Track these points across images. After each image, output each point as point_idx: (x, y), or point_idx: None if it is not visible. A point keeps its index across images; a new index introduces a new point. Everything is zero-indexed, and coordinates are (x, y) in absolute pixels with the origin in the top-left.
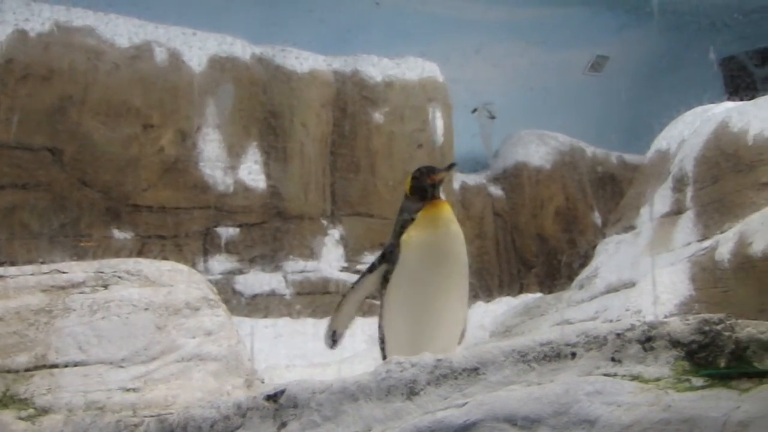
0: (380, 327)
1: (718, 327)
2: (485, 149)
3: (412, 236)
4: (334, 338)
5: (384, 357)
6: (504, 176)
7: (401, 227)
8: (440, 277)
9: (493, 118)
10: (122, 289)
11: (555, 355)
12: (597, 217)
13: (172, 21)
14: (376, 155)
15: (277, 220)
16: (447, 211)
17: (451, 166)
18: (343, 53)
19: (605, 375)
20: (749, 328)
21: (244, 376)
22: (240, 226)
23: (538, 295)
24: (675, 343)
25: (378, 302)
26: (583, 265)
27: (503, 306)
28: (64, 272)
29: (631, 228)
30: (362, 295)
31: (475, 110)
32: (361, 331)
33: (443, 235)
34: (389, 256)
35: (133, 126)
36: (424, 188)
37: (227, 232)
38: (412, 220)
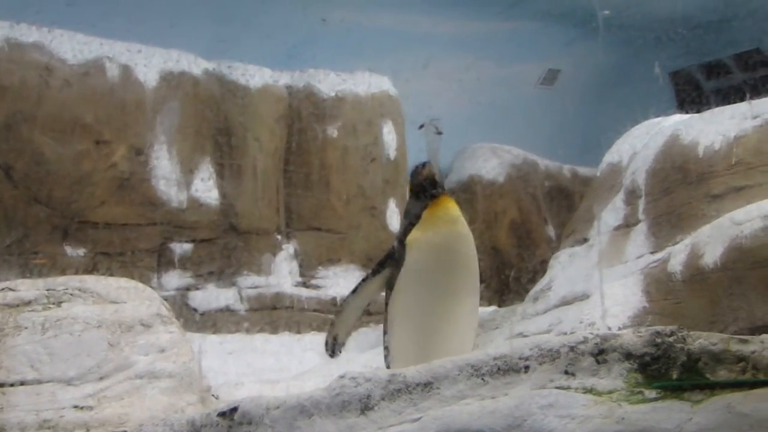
0: (385, 336)
1: (671, 339)
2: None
3: (417, 237)
4: (335, 345)
5: (388, 368)
6: (457, 189)
7: (406, 228)
8: (450, 279)
9: (439, 133)
10: (74, 307)
11: (508, 368)
12: (550, 230)
13: (119, 37)
14: (330, 170)
15: (231, 236)
16: (453, 209)
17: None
18: (294, 68)
19: (558, 388)
20: (701, 340)
21: (198, 392)
22: (193, 241)
23: (493, 308)
24: (628, 356)
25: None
26: (536, 278)
27: None
28: (14, 290)
29: (583, 241)
30: (364, 301)
31: (421, 126)
32: (315, 346)
33: (450, 234)
34: (394, 259)
35: (84, 142)
36: (421, 187)
37: (181, 247)
38: (417, 220)
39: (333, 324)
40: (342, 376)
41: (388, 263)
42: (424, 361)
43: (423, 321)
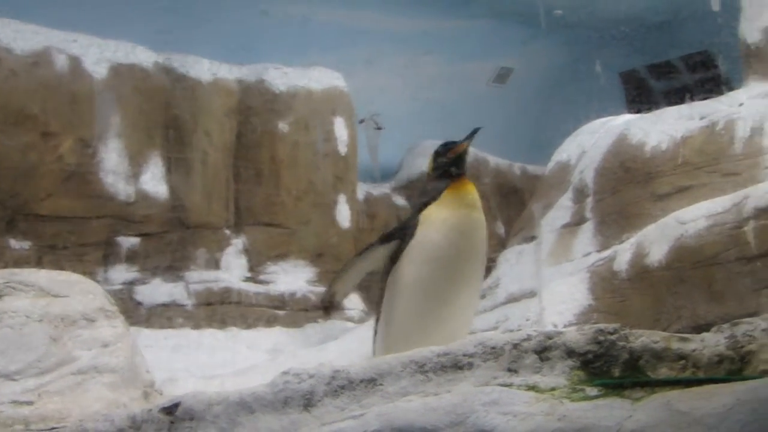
0: (381, 309)
1: (613, 337)
2: (371, 160)
3: (432, 214)
4: (332, 301)
5: (380, 346)
6: (408, 186)
7: (423, 204)
8: (456, 261)
9: (379, 128)
10: (15, 300)
11: (452, 365)
12: (500, 228)
13: (68, 28)
14: (281, 165)
15: (180, 230)
16: (472, 194)
17: (474, 133)
18: (246, 62)
19: (502, 385)
20: (643, 338)
21: (142, 388)
22: (141, 235)
23: None
24: (571, 353)
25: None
26: (485, 275)
27: None
28: None
29: (532, 238)
30: (367, 266)
31: (362, 121)
32: (263, 342)
33: (466, 216)
34: (405, 231)
35: (31, 134)
36: (446, 165)
37: (128, 241)
38: (434, 198)
39: (333, 281)
40: (285, 372)
41: (398, 234)
42: (422, 332)
43: (422, 298)
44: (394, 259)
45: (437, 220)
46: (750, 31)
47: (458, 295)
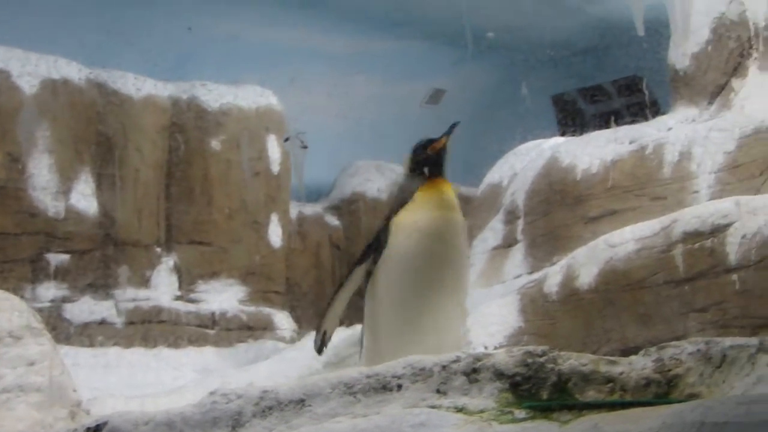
0: (363, 326)
1: (542, 359)
2: (296, 179)
3: (403, 219)
4: (323, 341)
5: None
6: (341, 206)
7: (393, 208)
8: (434, 269)
9: (305, 147)
10: None
11: (381, 386)
12: None
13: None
14: (212, 183)
15: (110, 247)
16: (447, 193)
17: (453, 127)
18: (179, 80)
19: (430, 407)
20: (571, 360)
21: (69, 407)
22: (70, 252)
23: None
24: (499, 375)
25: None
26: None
27: (338, 336)
28: None
29: None
30: (351, 290)
31: (287, 139)
32: (192, 362)
33: (440, 219)
34: (377, 241)
35: None
36: (424, 162)
37: (57, 258)
38: (406, 201)
39: (322, 320)
40: (213, 392)
41: (372, 247)
42: (402, 352)
43: (402, 312)
44: (370, 272)
45: (409, 225)
46: (678, 57)
47: (441, 303)
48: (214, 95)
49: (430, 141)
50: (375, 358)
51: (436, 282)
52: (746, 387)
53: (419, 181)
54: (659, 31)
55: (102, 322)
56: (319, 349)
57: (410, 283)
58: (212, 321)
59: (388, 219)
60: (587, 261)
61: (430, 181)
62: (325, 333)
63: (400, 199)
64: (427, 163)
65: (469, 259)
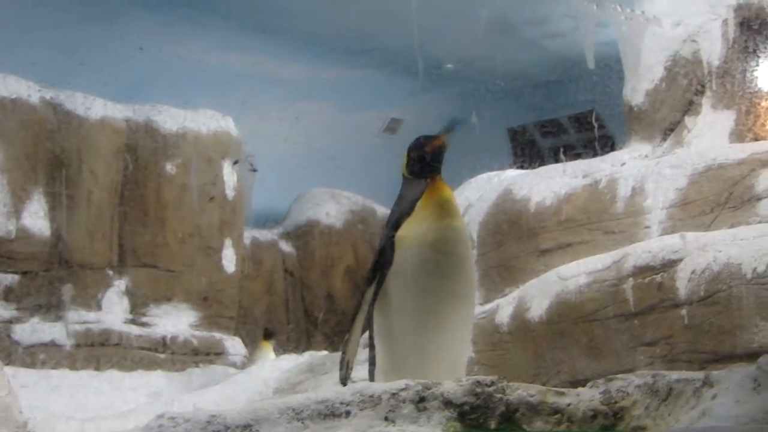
0: (371, 345)
1: (491, 389)
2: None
3: (408, 233)
4: (347, 372)
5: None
6: (295, 233)
7: (397, 221)
8: (444, 280)
9: (254, 170)
10: None
11: (330, 413)
12: None
13: None
14: (166, 207)
15: (61, 269)
16: (448, 199)
17: (452, 124)
18: (135, 102)
19: None
20: (520, 391)
21: (14, 428)
22: (21, 273)
23: (324, 353)
24: (448, 404)
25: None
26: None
27: (289, 363)
28: None
29: None
30: (365, 313)
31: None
32: (143, 385)
33: (445, 230)
34: (383, 258)
35: None
36: (423, 162)
37: (7, 279)
38: (408, 212)
39: (345, 350)
40: (161, 416)
41: (378, 265)
42: (412, 373)
43: (415, 331)
44: (377, 290)
45: (415, 240)
46: (633, 93)
47: (454, 315)
48: (170, 118)
49: (428, 138)
50: (391, 377)
51: (448, 295)
52: (691, 420)
53: (419, 187)
54: (616, 66)
55: (51, 344)
56: (344, 381)
57: (423, 300)
58: (163, 345)
59: (391, 233)
60: (539, 293)
61: (431, 186)
62: (349, 363)
63: (402, 211)
64: (425, 162)
65: (473, 268)
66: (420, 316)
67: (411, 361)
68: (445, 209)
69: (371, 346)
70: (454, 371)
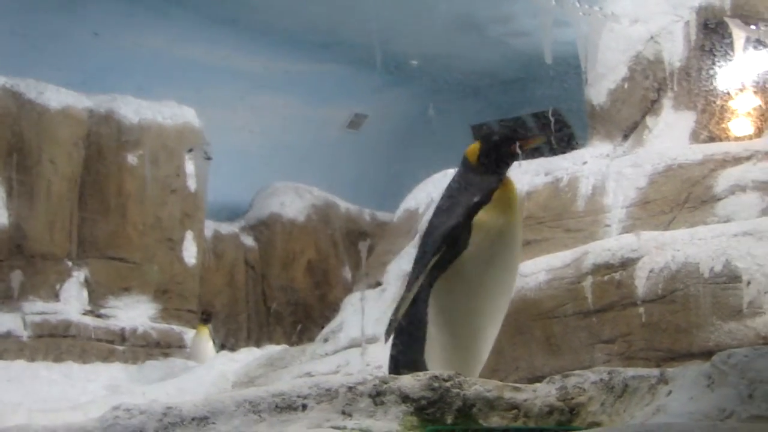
0: (428, 321)
1: (448, 384)
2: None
3: (487, 220)
4: (392, 329)
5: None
6: (257, 227)
7: (473, 207)
8: (511, 272)
9: (209, 158)
10: None
11: (287, 406)
12: (347, 272)
13: None
14: (127, 198)
15: (19, 259)
16: (518, 197)
17: (541, 134)
18: (98, 92)
19: (335, 428)
20: (477, 386)
21: None
22: None
23: (283, 346)
24: (405, 398)
25: None
26: (330, 319)
27: (248, 356)
28: None
29: (377, 284)
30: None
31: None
32: (100, 377)
33: (516, 226)
34: (455, 240)
35: None
36: (501, 158)
37: None
38: (485, 200)
39: (398, 310)
40: (116, 407)
41: (449, 241)
42: (474, 351)
43: (477, 316)
44: (440, 267)
45: (493, 229)
46: (595, 92)
47: (505, 305)
48: (133, 110)
49: (505, 138)
50: (447, 358)
51: (509, 284)
52: (645, 416)
53: (493, 178)
54: (579, 65)
55: (7, 335)
56: (388, 335)
57: (491, 286)
58: (122, 337)
59: (466, 218)
60: None
61: (506, 180)
62: (395, 324)
63: (478, 196)
64: (503, 159)
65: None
66: (487, 302)
67: (468, 342)
68: (517, 206)
69: (417, 322)
70: (483, 358)
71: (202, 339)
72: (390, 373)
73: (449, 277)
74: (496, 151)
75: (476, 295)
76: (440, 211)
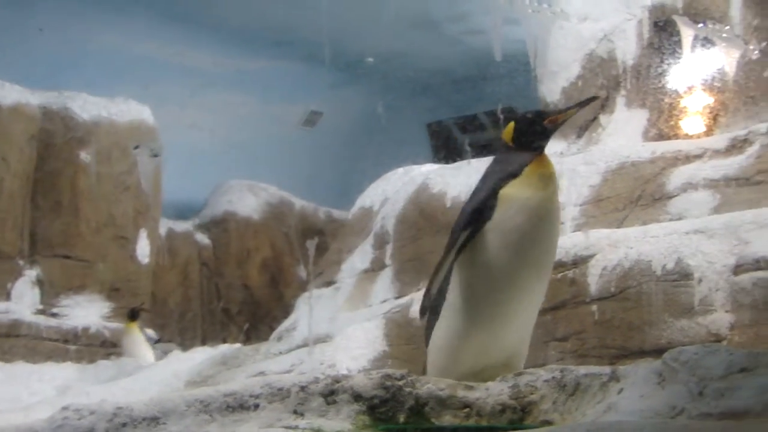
0: (448, 295)
1: (400, 383)
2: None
3: (513, 192)
4: (427, 304)
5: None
6: (212, 225)
7: (501, 179)
8: (538, 247)
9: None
10: None
11: (238, 405)
12: (302, 271)
13: None
14: (81, 196)
15: None
16: (554, 172)
17: (588, 101)
18: (50, 89)
19: (286, 427)
20: (429, 385)
21: None
22: None
23: (237, 345)
24: (357, 397)
25: None
26: (285, 318)
27: (202, 355)
28: None
29: (331, 283)
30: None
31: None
32: (52, 377)
33: (549, 200)
34: (481, 210)
35: None
36: (535, 135)
37: None
38: (516, 174)
39: (432, 283)
40: (66, 407)
41: (476, 215)
42: (498, 327)
43: (498, 287)
44: (467, 241)
45: (519, 200)
46: (548, 90)
47: (534, 284)
48: (87, 106)
49: (538, 115)
50: (468, 332)
51: (537, 263)
52: (597, 414)
53: (527, 155)
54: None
55: None
56: (423, 312)
57: (514, 260)
58: (74, 336)
59: (496, 188)
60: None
61: (540, 155)
62: (430, 297)
63: (507, 170)
64: (536, 137)
65: (557, 243)
66: (508, 275)
67: (489, 315)
68: (551, 180)
69: (440, 297)
70: (521, 343)
71: (132, 336)
72: (428, 349)
73: (470, 252)
74: (530, 127)
75: (497, 270)
76: (473, 192)
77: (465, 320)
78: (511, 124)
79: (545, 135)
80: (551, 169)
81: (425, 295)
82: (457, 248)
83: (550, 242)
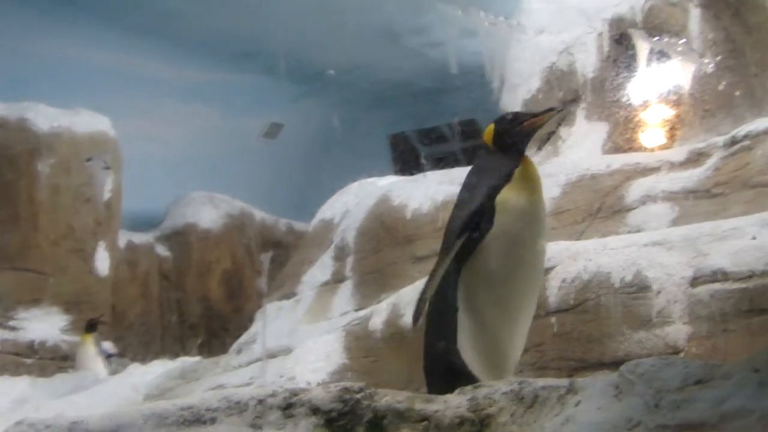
0: (448, 308)
1: (358, 395)
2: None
3: (509, 199)
4: (421, 312)
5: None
6: (172, 237)
7: (495, 186)
8: (537, 251)
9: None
10: None
11: (195, 419)
12: (263, 283)
13: None
14: (39, 207)
15: None
16: (539, 176)
17: (551, 110)
18: (7, 100)
19: None
20: (388, 397)
21: None
22: None
23: (197, 358)
24: (315, 410)
25: None
26: (245, 330)
27: (161, 368)
28: None
29: (292, 295)
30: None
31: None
32: (8, 391)
33: (539, 204)
34: (479, 222)
35: None
36: (515, 138)
37: None
38: (507, 180)
39: (426, 291)
40: (20, 422)
41: (473, 224)
42: (508, 332)
43: (509, 293)
44: (467, 250)
45: (516, 207)
46: (511, 102)
47: (535, 289)
48: (46, 117)
49: (517, 116)
50: (481, 340)
51: (537, 266)
52: (554, 427)
53: (512, 158)
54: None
55: None
56: (416, 319)
57: (520, 266)
58: (31, 349)
59: (489, 198)
60: (413, 300)
61: (525, 159)
62: (424, 303)
63: (498, 177)
64: (516, 140)
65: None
66: (515, 284)
67: (499, 328)
68: (539, 184)
69: (446, 310)
70: (520, 346)
71: (85, 348)
72: (425, 366)
73: (476, 260)
74: (511, 129)
75: (503, 276)
76: (462, 197)
77: (477, 332)
78: (491, 127)
79: (527, 136)
80: (536, 170)
81: (419, 302)
82: (452, 255)
83: (542, 244)
